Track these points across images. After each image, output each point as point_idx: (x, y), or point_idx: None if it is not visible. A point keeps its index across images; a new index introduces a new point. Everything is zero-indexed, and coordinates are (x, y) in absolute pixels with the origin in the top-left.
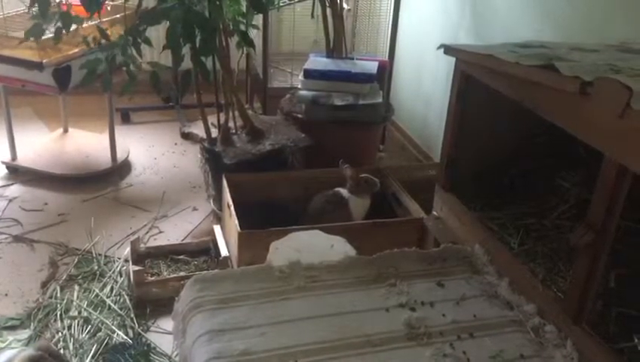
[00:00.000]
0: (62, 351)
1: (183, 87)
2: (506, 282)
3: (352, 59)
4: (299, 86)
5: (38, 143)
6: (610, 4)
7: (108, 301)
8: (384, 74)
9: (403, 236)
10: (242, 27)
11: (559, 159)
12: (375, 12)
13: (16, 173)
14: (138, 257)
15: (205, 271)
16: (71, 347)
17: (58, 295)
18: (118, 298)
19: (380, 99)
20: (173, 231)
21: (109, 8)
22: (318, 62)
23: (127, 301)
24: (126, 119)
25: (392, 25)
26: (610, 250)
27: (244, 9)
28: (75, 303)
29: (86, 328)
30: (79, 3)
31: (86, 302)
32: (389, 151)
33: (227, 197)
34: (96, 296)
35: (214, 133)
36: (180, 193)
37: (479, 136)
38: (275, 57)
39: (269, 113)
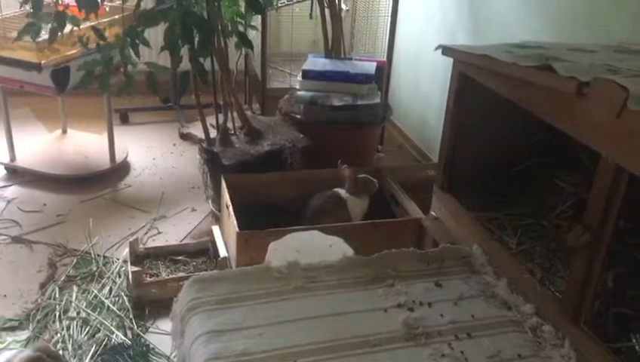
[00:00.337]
0: (61, 352)
1: (181, 87)
2: (504, 282)
3: (351, 59)
4: (297, 86)
5: (37, 144)
6: (608, 4)
7: (107, 302)
8: (382, 74)
9: (401, 236)
10: (241, 28)
11: (557, 159)
12: (373, 13)
13: (15, 173)
14: (137, 258)
15: (203, 272)
16: (70, 348)
17: (57, 296)
18: (117, 299)
19: (378, 100)
20: (172, 232)
21: (107, 9)
22: (316, 62)
23: (126, 302)
24: (125, 120)
25: (391, 25)
26: (608, 250)
27: (242, 10)
28: (73, 304)
29: (85, 329)
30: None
31: (85, 303)
32: (387, 152)
33: (226, 197)
34: (95, 296)
35: (213, 133)
36: (178, 194)
37: (477, 136)
38: (274, 58)
39: (268, 114)
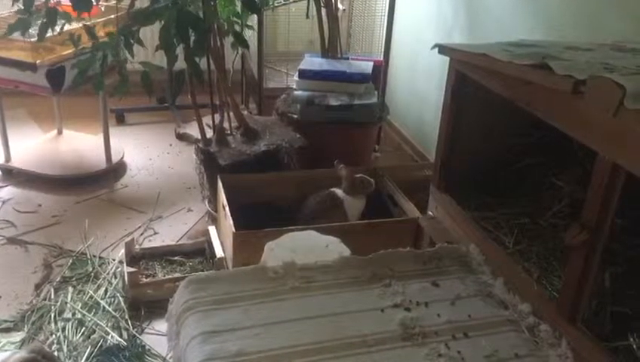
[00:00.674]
0: (56, 353)
1: (176, 87)
2: (501, 281)
3: (347, 59)
4: (294, 86)
5: (32, 145)
6: (604, 2)
7: (102, 302)
8: (379, 74)
9: (398, 236)
10: (237, 27)
11: (554, 158)
12: (370, 12)
13: (10, 174)
14: (133, 258)
15: (199, 273)
16: (65, 349)
17: (52, 297)
18: (113, 299)
19: (375, 99)
20: (168, 232)
21: (102, 9)
22: (313, 62)
23: (122, 302)
24: (121, 120)
25: (387, 25)
26: (605, 248)
27: (238, 9)
28: (69, 305)
29: (80, 330)
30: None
31: (80, 304)
32: (384, 151)
33: (222, 197)
34: (91, 297)
35: (209, 133)
36: (174, 194)
37: (474, 135)
38: (271, 57)
39: (264, 113)
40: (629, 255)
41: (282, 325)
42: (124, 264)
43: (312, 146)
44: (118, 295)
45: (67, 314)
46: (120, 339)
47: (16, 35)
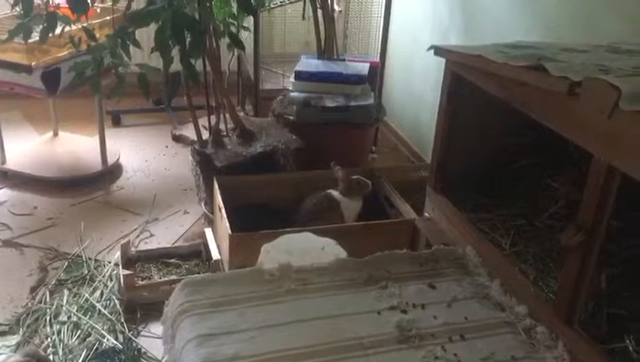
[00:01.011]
0: (51, 357)
1: (172, 89)
2: (498, 283)
3: (344, 60)
4: (290, 88)
5: (28, 147)
6: (599, 4)
7: (98, 305)
8: (375, 75)
9: (395, 238)
10: (233, 29)
11: (549, 159)
12: (366, 13)
13: (6, 176)
14: (128, 261)
15: (195, 275)
16: (60, 352)
17: (47, 300)
18: (109, 302)
19: (371, 101)
20: (164, 235)
21: (98, 10)
22: (309, 63)
23: (118, 305)
24: (117, 122)
25: (383, 26)
26: (601, 250)
27: (235, 11)
28: (64, 308)
29: (76, 333)
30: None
31: (76, 307)
32: (380, 153)
33: (218, 199)
34: (86, 300)
35: (205, 135)
36: (171, 196)
37: (470, 136)
38: (267, 59)
39: (261, 115)
40: (625, 256)
41: (278, 328)
42: (120, 266)
43: (308, 148)
44: (114, 297)
45: (63, 317)
46: (115, 342)
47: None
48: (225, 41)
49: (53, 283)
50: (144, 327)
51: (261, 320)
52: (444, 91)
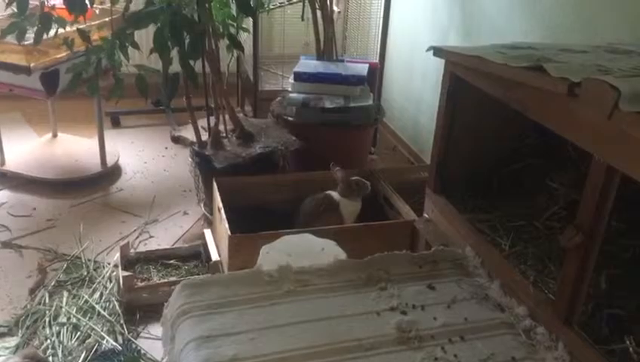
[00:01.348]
0: (50, 358)
1: (171, 90)
2: (497, 284)
3: (343, 61)
4: (289, 89)
5: (27, 148)
6: (599, 4)
7: (97, 307)
8: (374, 76)
9: (394, 239)
10: (232, 30)
11: (549, 160)
12: (365, 14)
13: (5, 178)
14: (128, 262)
15: (194, 277)
16: (60, 354)
17: (47, 301)
18: (108, 304)
19: (370, 102)
20: (164, 236)
21: (97, 12)
22: (308, 64)
23: (117, 307)
24: (116, 123)
25: (383, 27)
26: (601, 251)
27: (234, 12)
28: (63, 309)
29: (75, 334)
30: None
31: (75, 308)
32: (380, 154)
33: (218, 201)
34: (86, 301)
35: (205, 136)
36: (170, 197)
37: (469, 137)
38: (266, 60)
39: (260, 116)
40: (625, 257)
41: (278, 329)
42: (119, 268)
43: (307, 149)
44: (113, 299)
45: (62, 319)
46: (115, 344)
47: (10, 37)
48: (224, 42)
49: (52, 284)
50: (144, 329)
51: (261, 321)
52: (444, 92)
